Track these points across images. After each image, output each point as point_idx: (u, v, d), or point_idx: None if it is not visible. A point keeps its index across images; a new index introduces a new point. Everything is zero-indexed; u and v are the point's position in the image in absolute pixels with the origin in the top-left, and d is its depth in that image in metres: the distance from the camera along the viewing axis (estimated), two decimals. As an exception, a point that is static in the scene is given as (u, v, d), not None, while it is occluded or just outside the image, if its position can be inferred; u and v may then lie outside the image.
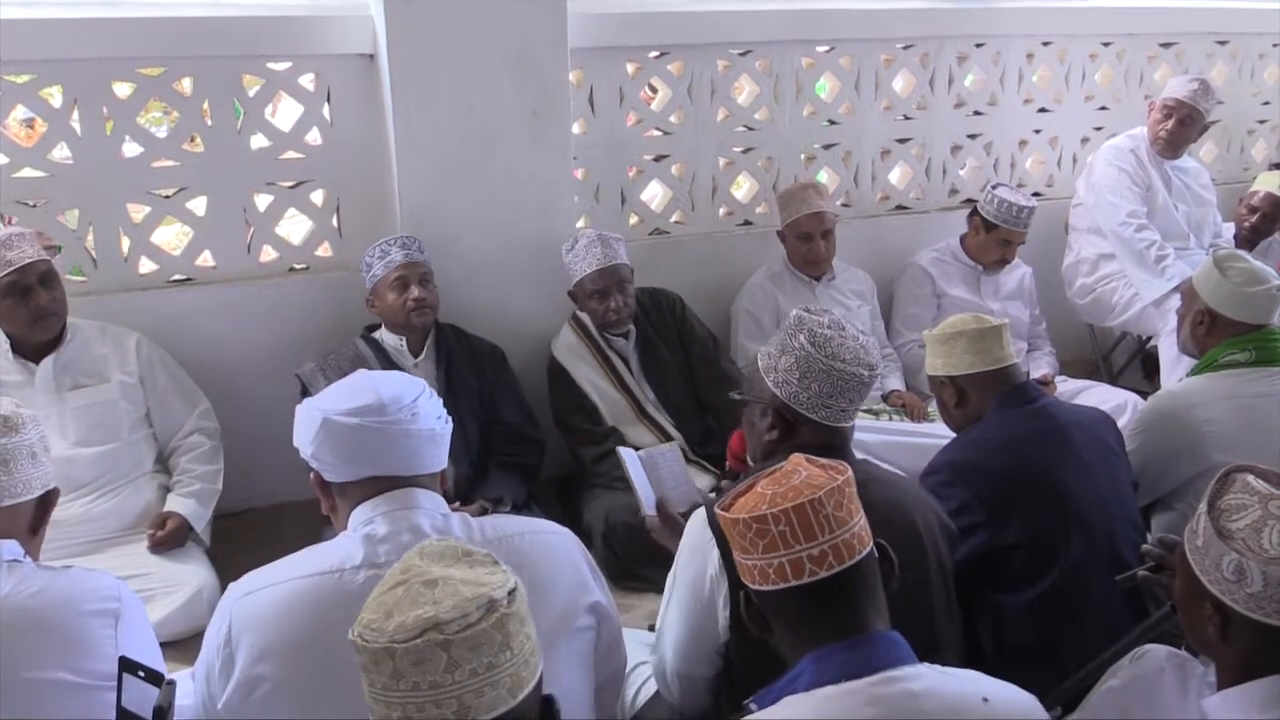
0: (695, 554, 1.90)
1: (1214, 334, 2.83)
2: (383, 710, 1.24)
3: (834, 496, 1.47)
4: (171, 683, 1.65)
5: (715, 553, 1.84)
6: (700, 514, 1.93)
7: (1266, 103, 5.51)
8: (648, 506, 2.45)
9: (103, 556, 2.89)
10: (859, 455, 2.13)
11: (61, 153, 3.35)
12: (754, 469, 2.08)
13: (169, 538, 2.98)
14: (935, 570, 2.01)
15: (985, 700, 1.44)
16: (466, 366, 3.44)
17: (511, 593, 1.28)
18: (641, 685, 2.20)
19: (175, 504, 3.07)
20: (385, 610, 1.26)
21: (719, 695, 1.98)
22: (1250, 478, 1.49)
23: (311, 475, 1.78)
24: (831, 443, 2.02)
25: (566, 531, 1.86)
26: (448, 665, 1.21)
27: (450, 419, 1.82)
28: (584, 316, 3.62)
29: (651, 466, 2.58)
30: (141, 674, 1.62)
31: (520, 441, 3.45)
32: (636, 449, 2.73)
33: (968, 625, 2.23)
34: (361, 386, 1.75)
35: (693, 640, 1.93)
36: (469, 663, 1.21)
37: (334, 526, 1.80)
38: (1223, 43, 5.25)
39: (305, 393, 3.16)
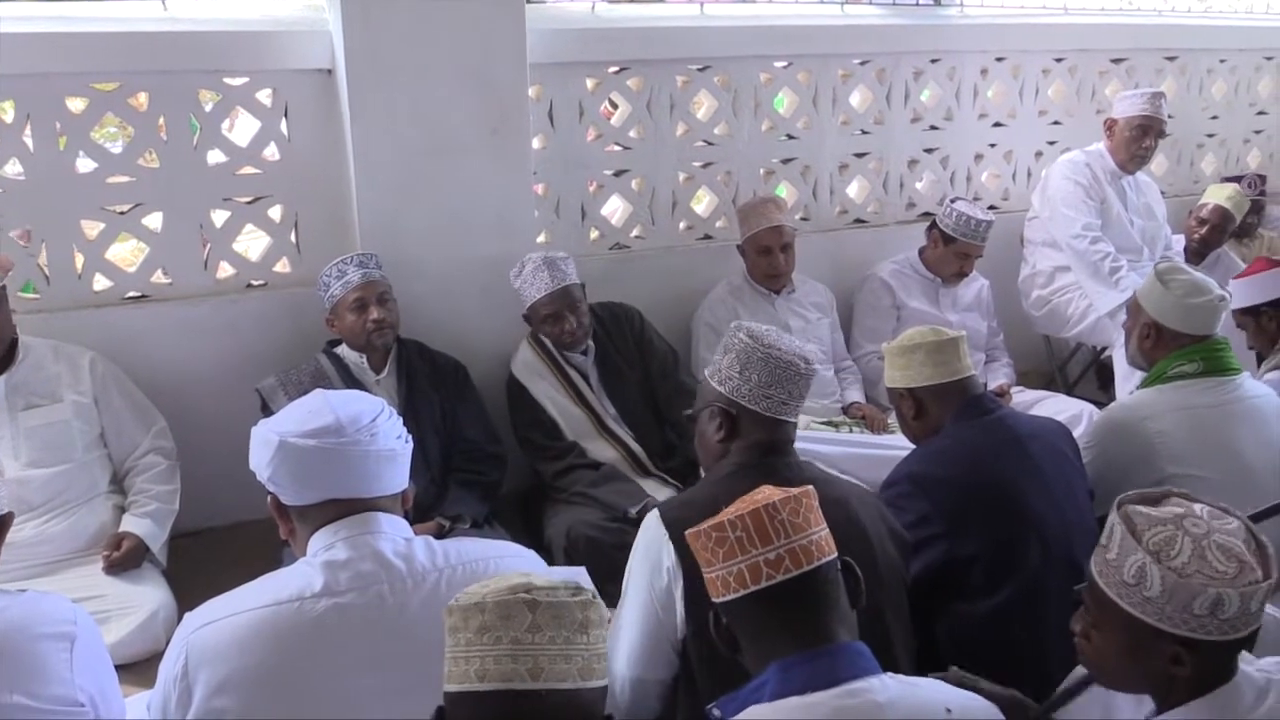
0: (650, 550, 1.93)
1: (1160, 346, 2.87)
2: (461, 666, 1.30)
3: (789, 504, 1.50)
4: None
5: (670, 545, 1.87)
6: (654, 514, 1.97)
7: (1215, 117, 5.64)
8: None
9: (57, 578, 2.84)
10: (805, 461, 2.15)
11: (13, 169, 3.30)
12: (708, 477, 2.10)
13: (124, 559, 2.93)
14: (885, 567, 2.03)
15: (948, 711, 1.46)
16: (428, 383, 3.42)
17: (595, 595, 1.36)
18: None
19: (131, 524, 3.02)
20: (482, 584, 1.36)
21: (672, 704, 1.98)
22: (1143, 508, 1.52)
23: (269, 499, 1.75)
24: (775, 439, 2.06)
25: (532, 555, 1.84)
26: (531, 625, 1.28)
27: (411, 438, 1.79)
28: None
29: None
30: None
31: (481, 459, 3.43)
32: (599, 465, 2.69)
33: (929, 635, 2.25)
34: (318, 408, 1.72)
35: (649, 639, 1.93)
36: (550, 629, 1.29)
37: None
38: (1172, 58, 5.36)
39: (265, 408, 3.14)
